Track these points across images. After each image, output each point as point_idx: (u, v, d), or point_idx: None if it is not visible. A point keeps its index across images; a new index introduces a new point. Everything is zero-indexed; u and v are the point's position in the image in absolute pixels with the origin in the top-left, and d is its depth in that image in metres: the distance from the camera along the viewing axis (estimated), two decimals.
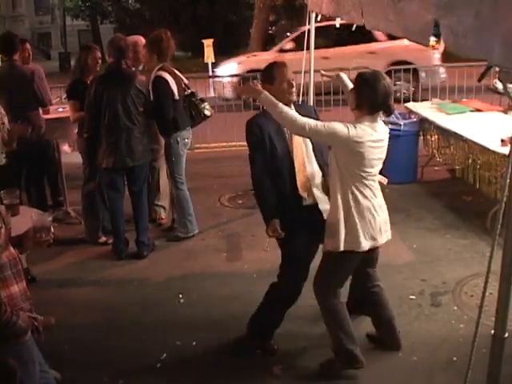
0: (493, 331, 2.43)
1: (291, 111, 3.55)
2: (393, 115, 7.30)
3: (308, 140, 3.81)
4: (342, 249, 3.56)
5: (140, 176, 5.56)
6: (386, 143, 3.60)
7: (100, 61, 5.95)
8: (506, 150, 5.13)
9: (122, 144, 5.31)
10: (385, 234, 3.71)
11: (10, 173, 5.48)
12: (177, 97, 5.62)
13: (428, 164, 7.49)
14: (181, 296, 4.87)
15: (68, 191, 6.70)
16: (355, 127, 3.43)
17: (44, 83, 6.32)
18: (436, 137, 7.11)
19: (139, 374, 3.94)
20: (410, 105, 7.82)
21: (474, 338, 2.55)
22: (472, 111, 7.13)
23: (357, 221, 3.53)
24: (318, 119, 3.68)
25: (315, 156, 3.85)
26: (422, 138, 7.39)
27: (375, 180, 3.64)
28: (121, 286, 5.13)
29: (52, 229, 3.59)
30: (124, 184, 5.58)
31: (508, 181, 2.33)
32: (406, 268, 5.13)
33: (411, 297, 4.68)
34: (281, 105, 3.49)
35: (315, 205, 3.78)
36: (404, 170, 7.20)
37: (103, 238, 5.93)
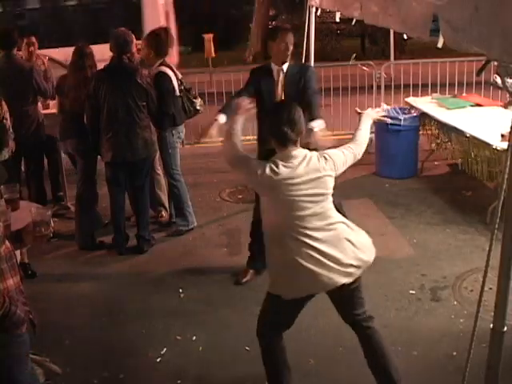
0: (492, 325, 2.43)
1: (236, 145, 3.29)
2: (393, 110, 7.37)
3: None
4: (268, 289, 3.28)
5: (142, 171, 5.54)
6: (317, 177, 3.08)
7: None
8: (506, 145, 5.12)
9: (121, 138, 5.28)
10: (340, 275, 3.10)
11: (10, 167, 5.47)
12: (177, 93, 5.67)
13: (428, 159, 7.48)
14: (181, 290, 4.88)
15: (67, 186, 6.70)
16: (270, 167, 3.05)
17: (48, 75, 6.47)
18: (436, 132, 7.11)
19: (139, 369, 3.95)
20: (411, 100, 7.80)
21: (473, 332, 2.56)
22: (472, 106, 7.14)
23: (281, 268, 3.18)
24: (309, 85, 4.40)
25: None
26: (421, 132, 7.38)
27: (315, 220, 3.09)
28: (121, 281, 5.14)
29: (51, 223, 3.61)
30: (125, 179, 5.57)
31: (506, 175, 2.32)
32: (406, 262, 5.14)
33: (411, 291, 4.69)
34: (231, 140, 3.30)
35: None
36: (404, 164, 7.19)
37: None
